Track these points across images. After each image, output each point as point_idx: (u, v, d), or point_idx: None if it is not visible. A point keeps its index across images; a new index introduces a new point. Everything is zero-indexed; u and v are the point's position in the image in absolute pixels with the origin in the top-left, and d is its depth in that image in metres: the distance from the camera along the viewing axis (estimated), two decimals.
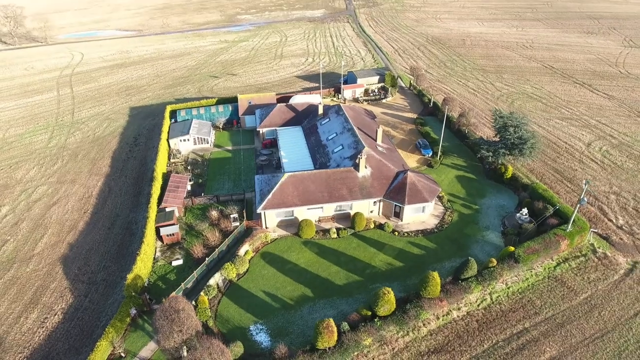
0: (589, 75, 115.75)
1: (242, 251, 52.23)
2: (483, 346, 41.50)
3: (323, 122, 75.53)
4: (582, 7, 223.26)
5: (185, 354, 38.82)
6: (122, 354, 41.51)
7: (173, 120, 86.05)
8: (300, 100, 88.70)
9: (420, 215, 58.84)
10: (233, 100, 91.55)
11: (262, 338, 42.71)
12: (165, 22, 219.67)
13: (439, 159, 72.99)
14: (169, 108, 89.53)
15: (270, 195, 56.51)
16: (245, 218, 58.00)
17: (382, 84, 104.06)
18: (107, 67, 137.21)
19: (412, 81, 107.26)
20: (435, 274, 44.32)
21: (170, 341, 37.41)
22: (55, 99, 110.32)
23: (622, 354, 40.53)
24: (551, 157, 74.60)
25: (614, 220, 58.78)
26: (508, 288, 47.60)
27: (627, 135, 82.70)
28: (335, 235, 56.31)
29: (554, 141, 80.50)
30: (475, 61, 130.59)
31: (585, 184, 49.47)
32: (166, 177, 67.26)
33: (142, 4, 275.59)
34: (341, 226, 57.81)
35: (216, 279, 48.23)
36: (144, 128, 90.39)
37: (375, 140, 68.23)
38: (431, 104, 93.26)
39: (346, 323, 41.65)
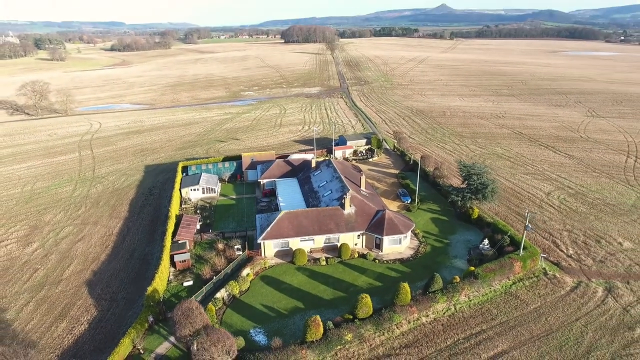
0: (552, 139, 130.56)
1: (244, 273, 60.96)
2: (446, 342, 49.24)
3: (315, 174, 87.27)
4: (553, 85, 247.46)
5: (195, 349, 46.46)
6: (141, 351, 48.92)
7: (185, 174, 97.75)
8: (296, 157, 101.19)
9: (398, 247, 68.21)
10: (237, 158, 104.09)
11: (260, 338, 50.38)
12: (176, 97, 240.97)
13: (417, 204, 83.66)
14: (181, 164, 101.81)
15: (269, 228, 66.36)
16: (247, 248, 67.27)
17: (369, 146, 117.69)
18: (123, 134, 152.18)
19: (395, 144, 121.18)
20: (406, 284, 53.18)
21: (185, 330, 45.41)
22: (77, 159, 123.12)
23: (563, 347, 48.27)
24: (514, 203, 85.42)
25: (565, 251, 68.23)
26: (470, 300, 55.99)
27: (583, 187, 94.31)
28: (324, 263, 65.27)
29: (518, 191, 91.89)
30: (454, 129, 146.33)
31: (528, 213, 59.82)
32: (179, 218, 77.19)
33: (154, 82, 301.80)
34: (329, 256, 66.93)
35: (222, 294, 56.57)
36: (157, 181, 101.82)
37: (359, 187, 79.44)
38: (411, 162, 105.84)
39: (331, 322, 49.76)
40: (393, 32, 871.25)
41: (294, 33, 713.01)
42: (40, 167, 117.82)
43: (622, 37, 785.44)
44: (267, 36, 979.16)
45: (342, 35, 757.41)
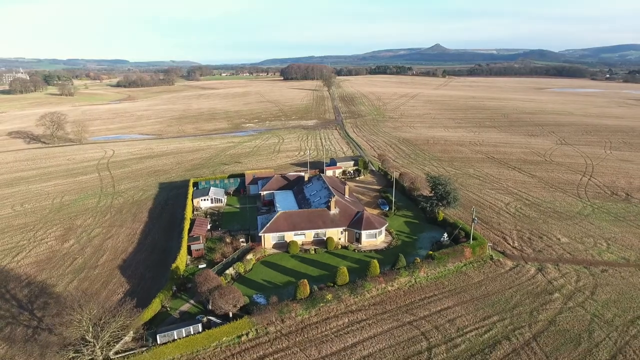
0: (520, 162, 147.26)
1: (248, 257, 75.31)
2: (405, 302, 63.38)
3: (308, 186, 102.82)
4: (532, 118, 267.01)
5: (210, 306, 60.52)
6: (168, 309, 62.76)
7: (195, 188, 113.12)
8: (292, 174, 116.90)
9: (374, 240, 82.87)
10: (241, 175, 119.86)
11: (261, 300, 64.31)
12: (181, 128, 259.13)
13: (393, 211, 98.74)
14: (192, 179, 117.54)
15: (268, 224, 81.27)
16: (250, 241, 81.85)
17: (357, 167, 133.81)
18: (136, 158, 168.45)
19: (379, 165, 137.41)
20: (375, 261, 67.90)
21: (204, 287, 59.71)
22: (98, 178, 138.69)
23: (495, 304, 62.45)
24: (477, 211, 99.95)
25: (511, 243, 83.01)
26: (428, 276, 70.31)
27: (538, 199, 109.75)
28: (313, 252, 79.81)
29: (481, 202, 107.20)
30: (434, 154, 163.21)
31: (473, 209, 75.02)
32: (192, 220, 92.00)
33: (161, 115, 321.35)
34: (317, 247, 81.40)
35: (230, 271, 70.79)
36: (171, 195, 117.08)
37: (344, 194, 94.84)
38: (392, 179, 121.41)
39: (316, 287, 63.93)
40: (388, 70, 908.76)
41: (292, 71, 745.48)
42: (65, 185, 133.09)
43: (607, 75, 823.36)
44: (267, 74, 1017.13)
45: (339, 73, 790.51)
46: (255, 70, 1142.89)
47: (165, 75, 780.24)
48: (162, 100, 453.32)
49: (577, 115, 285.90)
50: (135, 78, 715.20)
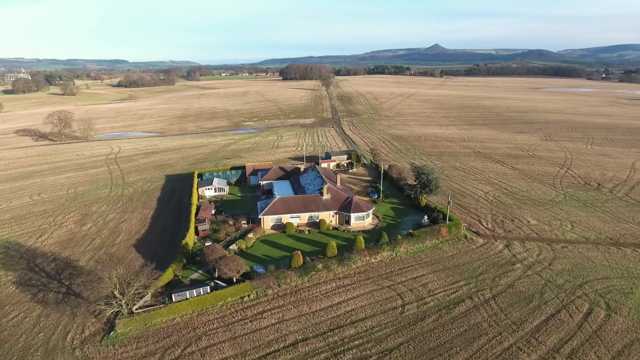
0: (504, 156, 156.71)
1: (249, 236, 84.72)
2: (386, 271, 72.79)
3: (303, 176, 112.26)
4: (522, 116, 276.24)
5: (216, 274, 69.91)
6: (180, 277, 72.14)
7: (200, 178, 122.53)
8: (289, 165, 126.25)
9: (362, 222, 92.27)
10: (242, 167, 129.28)
11: (260, 270, 73.64)
12: (183, 127, 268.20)
13: (381, 199, 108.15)
14: (196, 171, 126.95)
15: (267, 208, 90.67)
16: (251, 222, 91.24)
17: (350, 160, 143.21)
18: (141, 154, 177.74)
19: (371, 159, 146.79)
20: (360, 237, 77.22)
21: (211, 257, 69.06)
22: (107, 171, 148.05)
23: (463, 273, 71.81)
24: (458, 198, 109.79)
25: (485, 225, 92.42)
26: (407, 251, 79.73)
27: (516, 189, 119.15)
28: (307, 232, 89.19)
29: (463, 191, 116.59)
30: (424, 149, 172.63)
31: (449, 193, 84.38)
32: (198, 207, 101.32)
33: (162, 114, 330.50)
34: (311, 228, 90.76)
35: (233, 247, 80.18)
36: (177, 186, 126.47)
37: (336, 183, 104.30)
38: (382, 171, 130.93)
39: (308, 258, 73.34)
40: (386, 70, 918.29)
41: (291, 71, 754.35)
42: (78, 177, 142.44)
43: (604, 75, 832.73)
44: (267, 74, 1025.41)
45: (338, 73, 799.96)
46: (254, 70, 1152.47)
47: (165, 75, 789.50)
48: (163, 99, 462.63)
49: (567, 113, 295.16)
50: (136, 78, 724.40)
